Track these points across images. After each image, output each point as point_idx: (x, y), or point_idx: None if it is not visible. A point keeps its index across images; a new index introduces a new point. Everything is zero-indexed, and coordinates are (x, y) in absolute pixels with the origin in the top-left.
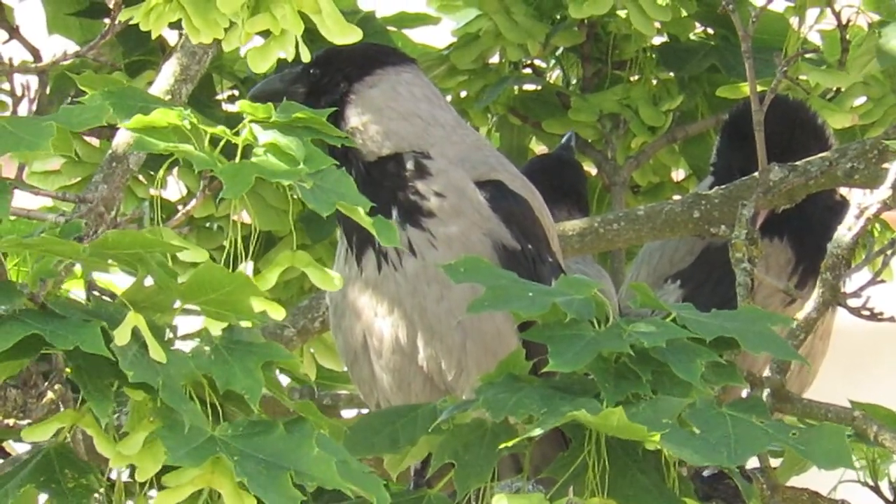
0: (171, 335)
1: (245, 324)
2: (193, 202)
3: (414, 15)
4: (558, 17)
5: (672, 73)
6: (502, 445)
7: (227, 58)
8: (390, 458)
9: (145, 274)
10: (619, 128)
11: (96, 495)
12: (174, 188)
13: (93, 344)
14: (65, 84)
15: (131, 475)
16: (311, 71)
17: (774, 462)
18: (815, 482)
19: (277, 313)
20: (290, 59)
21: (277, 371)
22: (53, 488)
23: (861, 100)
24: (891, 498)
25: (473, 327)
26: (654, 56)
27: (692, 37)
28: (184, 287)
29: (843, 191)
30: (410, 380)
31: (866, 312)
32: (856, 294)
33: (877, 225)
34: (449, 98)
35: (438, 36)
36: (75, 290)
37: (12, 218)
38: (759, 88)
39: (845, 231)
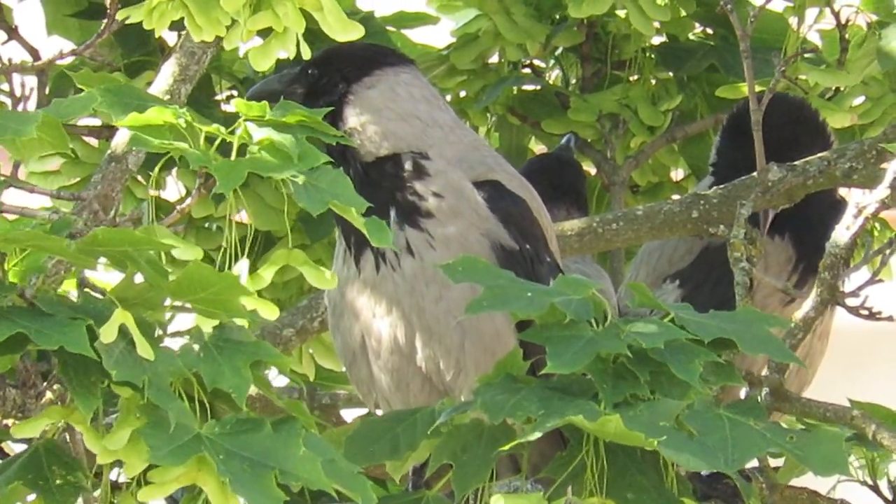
0: (160, 332)
1: (241, 322)
2: (190, 200)
3: (413, 15)
4: (557, 17)
5: (671, 73)
6: (500, 448)
7: (225, 58)
8: (392, 462)
9: (134, 271)
10: (619, 128)
11: (92, 494)
12: (174, 189)
13: (77, 343)
14: (64, 84)
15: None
16: (310, 71)
17: (774, 462)
18: (815, 481)
19: (269, 312)
20: (291, 58)
21: (277, 371)
22: (41, 485)
23: (860, 99)
24: (890, 497)
25: (472, 327)
26: (653, 56)
27: (691, 37)
28: (173, 285)
29: (842, 191)
30: (409, 380)
31: (865, 312)
32: (854, 293)
33: (875, 224)
34: (448, 98)
35: (438, 36)
36: (73, 291)
37: (11, 217)
38: (757, 88)
39: (844, 230)
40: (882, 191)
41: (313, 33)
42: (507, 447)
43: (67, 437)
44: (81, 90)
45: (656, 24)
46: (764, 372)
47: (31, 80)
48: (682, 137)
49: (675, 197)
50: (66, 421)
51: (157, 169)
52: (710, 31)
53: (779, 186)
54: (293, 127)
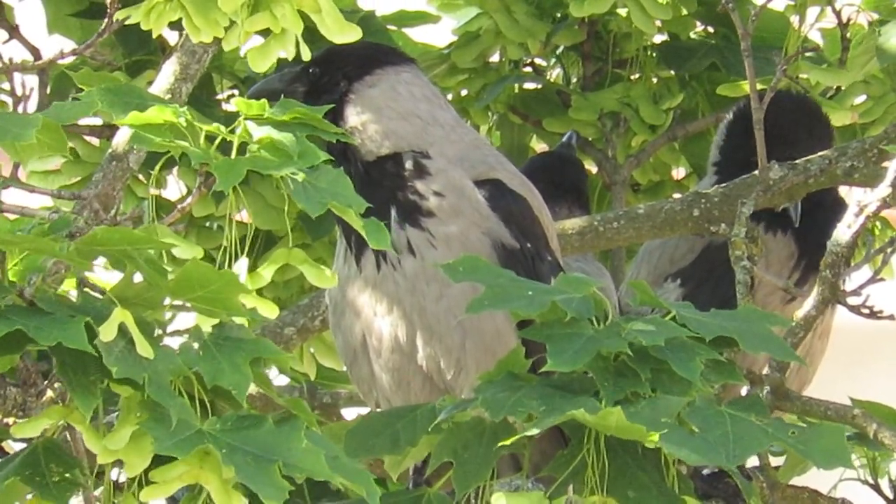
0: (159, 331)
1: (240, 321)
2: (190, 199)
3: (414, 13)
4: (559, 15)
5: (672, 72)
6: (501, 444)
7: (226, 57)
8: (391, 459)
9: (133, 270)
10: (620, 126)
11: (93, 493)
12: (174, 188)
13: (75, 340)
14: (65, 84)
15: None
16: (311, 70)
17: (776, 461)
18: (816, 481)
19: (269, 311)
20: (290, 58)
21: (277, 371)
22: (38, 482)
23: (861, 98)
24: (891, 496)
25: (472, 326)
26: (654, 54)
27: (692, 35)
28: (172, 284)
29: (842, 191)
30: (410, 379)
31: (866, 310)
32: (855, 292)
33: (877, 223)
34: (449, 97)
35: (439, 34)
36: (73, 291)
37: (12, 217)
38: (759, 87)
39: (845, 229)
40: (883, 189)
41: (313, 33)
42: (508, 441)
43: (68, 436)
44: (82, 90)
45: (657, 23)
46: (765, 371)
47: (32, 80)
48: (684, 136)
49: (677, 196)
50: (66, 420)
51: (157, 167)
52: (711, 29)
53: (780, 185)
54: (293, 125)
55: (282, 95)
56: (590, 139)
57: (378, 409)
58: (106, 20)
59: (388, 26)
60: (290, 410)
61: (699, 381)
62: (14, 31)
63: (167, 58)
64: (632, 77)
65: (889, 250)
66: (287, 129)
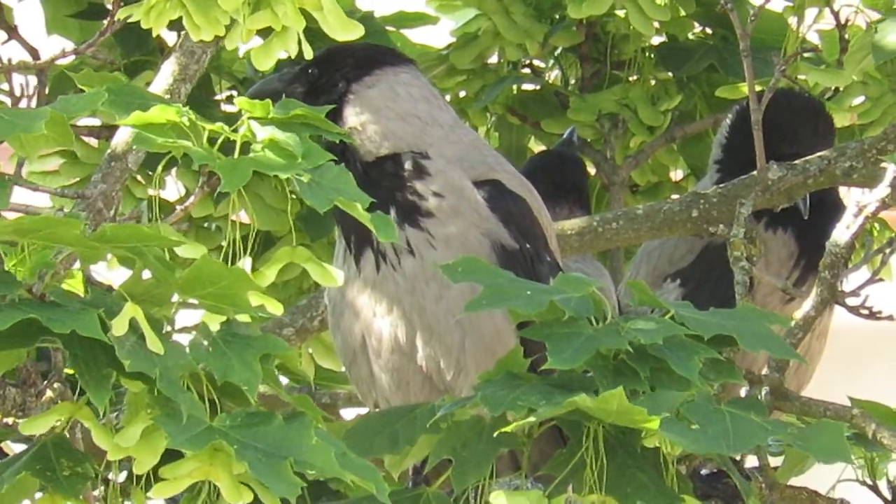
0: (168, 328)
1: (244, 318)
2: (192, 198)
3: (413, 14)
4: (557, 16)
5: (671, 73)
6: (501, 430)
7: (225, 58)
8: (391, 459)
9: (143, 267)
10: (618, 127)
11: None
12: (173, 189)
13: (89, 328)
14: (64, 84)
15: (128, 476)
16: (310, 71)
17: (774, 461)
18: (814, 481)
19: (275, 308)
20: (292, 57)
21: (277, 371)
22: (49, 476)
23: (860, 99)
24: (889, 497)
25: (472, 326)
26: (652, 56)
27: (691, 36)
28: (182, 281)
29: (841, 192)
30: (409, 379)
31: (865, 311)
32: (854, 293)
33: (875, 224)
34: (448, 98)
35: (437, 36)
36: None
37: (16, 216)
38: (757, 88)
39: (843, 230)
40: (882, 190)
41: (314, 32)
42: (509, 428)
43: (68, 435)
44: (81, 90)
45: (656, 24)
46: (764, 371)
47: (31, 80)
48: (682, 137)
49: (675, 196)
50: (74, 417)
51: (160, 168)
52: (709, 30)
53: (779, 185)
54: (296, 125)
55: (282, 96)
56: (588, 140)
57: (377, 410)
58: (108, 19)
59: (387, 27)
60: (298, 408)
61: (698, 379)
62: (13, 32)
63: (165, 58)
64: (630, 78)
65: (888, 251)
66: (290, 130)
